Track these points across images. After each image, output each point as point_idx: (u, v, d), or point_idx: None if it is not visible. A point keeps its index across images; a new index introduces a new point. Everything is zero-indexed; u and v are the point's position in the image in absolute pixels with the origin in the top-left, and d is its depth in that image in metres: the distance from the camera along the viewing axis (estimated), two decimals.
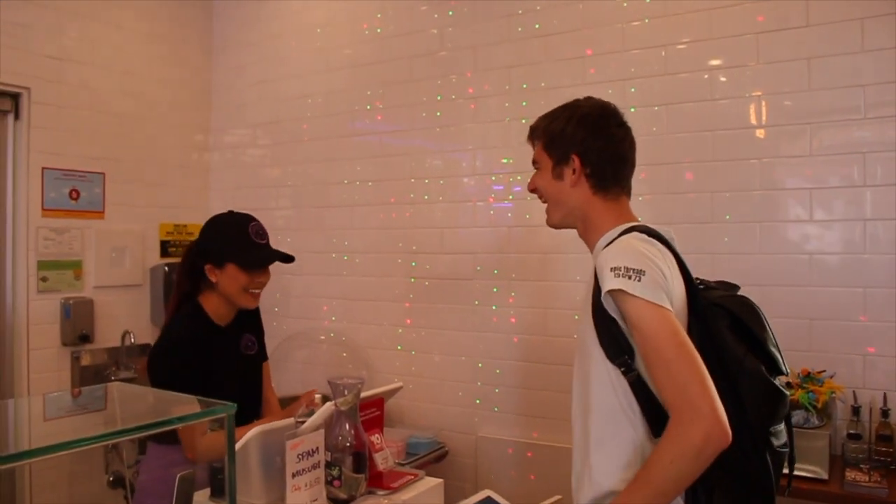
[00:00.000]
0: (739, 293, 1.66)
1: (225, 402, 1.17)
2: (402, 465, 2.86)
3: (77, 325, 3.56)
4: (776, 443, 1.51)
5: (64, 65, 3.58)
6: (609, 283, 1.41)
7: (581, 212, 1.65)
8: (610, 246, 1.51)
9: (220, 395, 2.12)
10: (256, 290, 2.25)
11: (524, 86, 3.31)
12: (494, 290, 3.38)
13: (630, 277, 1.38)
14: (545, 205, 1.72)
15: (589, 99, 1.71)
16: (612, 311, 1.45)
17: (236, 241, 2.19)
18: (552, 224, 1.73)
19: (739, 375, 1.45)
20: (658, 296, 1.39)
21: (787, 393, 1.53)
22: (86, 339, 3.59)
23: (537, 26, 3.28)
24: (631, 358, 1.45)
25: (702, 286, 1.61)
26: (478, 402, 3.43)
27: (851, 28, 2.62)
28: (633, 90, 3.04)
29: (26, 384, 3.40)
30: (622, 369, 1.46)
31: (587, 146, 1.62)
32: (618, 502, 1.39)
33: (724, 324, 1.52)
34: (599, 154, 1.62)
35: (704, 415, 1.28)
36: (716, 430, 1.27)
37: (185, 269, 2.27)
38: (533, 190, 1.74)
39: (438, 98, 3.56)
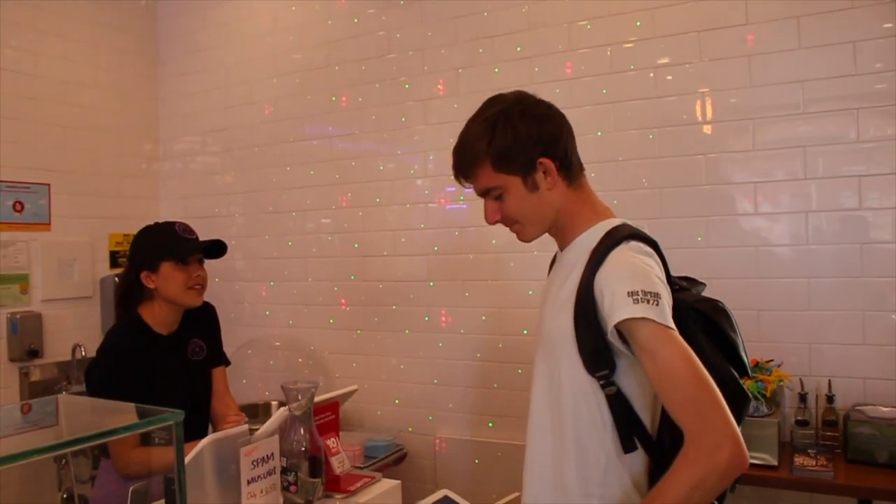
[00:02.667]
0: (713, 297, 1.58)
1: (172, 410, 1.15)
2: (361, 468, 2.85)
3: (24, 340, 3.47)
4: None
5: (5, 75, 3.49)
6: (629, 309, 1.32)
7: (562, 214, 1.54)
8: (611, 263, 1.40)
9: (161, 403, 2.10)
10: (197, 286, 2.24)
11: (473, 86, 3.33)
12: (448, 291, 3.39)
13: (649, 303, 1.32)
14: (514, 225, 1.56)
15: (498, 98, 1.56)
16: (606, 327, 1.37)
17: (165, 241, 2.21)
18: (532, 239, 1.58)
19: (716, 382, 1.41)
20: (670, 319, 1.35)
21: (749, 395, 1.52)
22: (34, 353, 3.51)
23: (485, 28, 3.31)
24: (612, 373, 1.40)
25: (676, 287, 1.53)
26: (430, 418, 3.43)
27: (788, 26, 2.70)
28: (579, 90, 3.08)
29: None
30: (601, 383, 1.41)
31: (546, 141, 1.49)
32: None
33: (700, 328, 1.48)
34: (559, 142, 1.51)
35: (730, 440, 1.25)
36: (739, 454, 1.26)
37: (122, 284, 2.27)
38: (496, 220, 1.56)
39: (388, 101, 3.56)
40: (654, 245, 1.48)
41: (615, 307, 1.34)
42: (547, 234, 1.60)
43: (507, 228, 1.59)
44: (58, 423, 1.77)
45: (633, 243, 1.44)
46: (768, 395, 2.50)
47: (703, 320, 1.49)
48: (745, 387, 1.48)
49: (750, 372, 1.55)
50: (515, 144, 1.48)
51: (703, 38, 2.85)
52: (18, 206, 3.51)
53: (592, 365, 1.41)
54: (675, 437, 1.35)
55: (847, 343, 2.63)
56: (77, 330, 3.72)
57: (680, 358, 1.32)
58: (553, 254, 1.75)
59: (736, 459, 1.25)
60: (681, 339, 1.34)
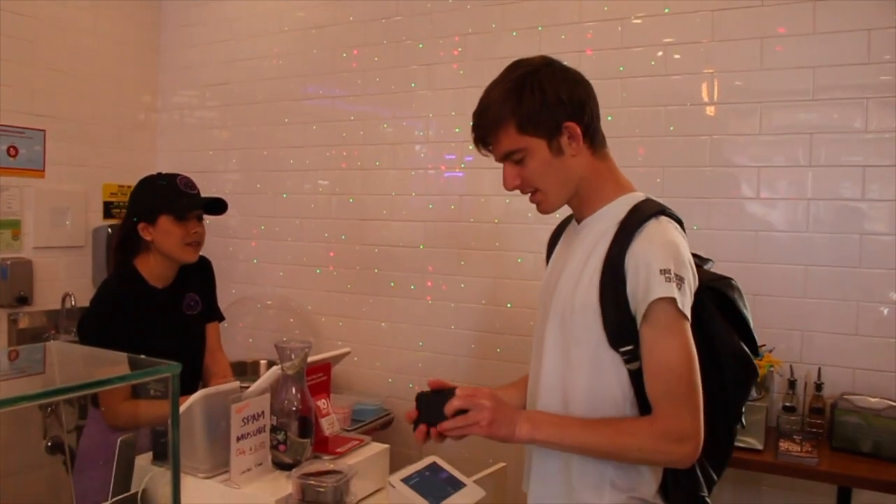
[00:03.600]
0: (726, 275, 1.59)
1: (168, 362, 1.14)
2: (348, 431, 2.85)
3: (14, 287, 3.45)
4: (743, 420, 1.58)
5: (3, 16, 3.41)
6: (662, 288, 1.33)
7: (586, 183, 1.50)
8: (647, 237, 1.39)
9: (152, 356, 2.09)
10: (194, 242, 2.22)
11: (478, 53, 3.29)
12: (443, 258, 3.38)
13: (677, 285, 1.34)
14: (534, 193, 1.51)
15: (524, 62, 1.51)
16: (637, 303, 1.37)
17: (165, 194, 2.18)
18: (553, 209, 1.53)
19: (728, 356, 1.47)
20: (688, 305, 1.37)
21: (759, 372, 1.58)
22: (24, 300, 3.48)
23: None
24: (636, 347, 1.39)
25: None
26: (420, 366, 3.44)
27: (804, 10, 2.66)
28: (587, 63, 3.04)
29: None
30: (625, 358, 1.41)
31: (574, 106, 1.45)
32: (572, 433, 1.39)
33: (715, 306, 1.49)
34: (585, 108, 1.46)
35: (693, 440, 1.33)
36: (693, 455, 1.35)
37: (119, 232, 2.24)
38: (516, 186, 1.51)
39: (391, 63, 3.51)
40: (680, 223, 1.49)
41: (651, 284, 1.34)
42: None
43: (525, 197, 1.55)
44: (45, 371, 1.76)
45: (665, 219, 1.43)
46: (759, 379, 2.51)
47: (718, 298, 1.51)
48: (755, 363, 1.52)
49: (759, 351, 1.60)
50: (543, 106, 1.43)
51: (716, 17, 2.81)
52: (13, 151, 3.46)
53: (617, 339, 1.40)
54: None
55: (839, 332, 2.63)
56: (68, 279, 3.70)
57: (681, 350, 1.35)
58: (555, 226, 1.74)
59: (691, 458, 1.35)
60: (689, 331, 1.36)
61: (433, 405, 1.50)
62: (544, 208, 1.53)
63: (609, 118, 2.97)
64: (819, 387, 2.57)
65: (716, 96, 2.82)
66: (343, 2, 3.65)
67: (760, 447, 2.41)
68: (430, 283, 3.41)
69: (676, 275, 1.34)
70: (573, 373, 1.47)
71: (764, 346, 2.63)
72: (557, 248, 1.66)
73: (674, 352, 1.35)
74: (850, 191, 2.63)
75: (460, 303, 3.35)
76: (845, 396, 2.49)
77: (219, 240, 3.99)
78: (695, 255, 1.61)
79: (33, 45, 3.56)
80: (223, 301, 3.85)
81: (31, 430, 3.44)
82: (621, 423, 1.38)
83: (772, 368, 2.57)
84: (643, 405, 1.41)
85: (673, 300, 1.33)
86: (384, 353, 3.55)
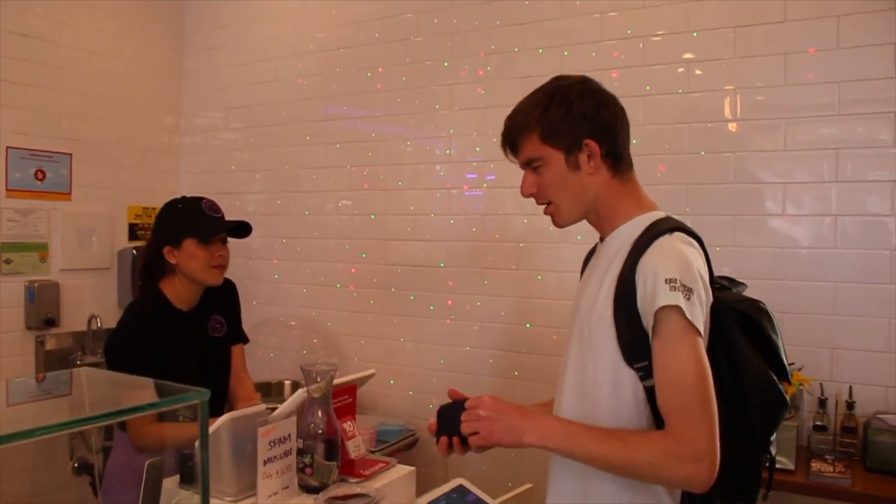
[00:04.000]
0: (754, 297, 1.55)
1: (198, 389, 1.14)
2: (373, 452, 2.85)
3: (42, 309, 3.49)
4: (773, 451, 1.51)
5: (31, 43, 3.48)
6: (666, 297, 1.31)
7: (602, 201, 1.50)
8: (657, 250, 1.38)
9: (179, 379, 2.10)
10: (219, 265, 2.23)
11: (499, 73, 3.30)
12: (467, 278, 3.38)
13: (684, 295, 1.31)
14: (548, 205, 1.53)
15: (562, 77, 1.55)
16: (646, 315, 1.36)
17: (190, 217, 2.20)
18: (566, 224, 1.54)
19: (751, 383, 1.41)
20: (699, 318, 1.33)
21: (788, 401, 1.49)
22: (51, 322, 3.52)
23: (515, 13, 3.26)
24: (650, 363, 1.36)
25: (717, 285, 1.51)
26: (442, 385, 3.42)
27: (827, 25, 2.64)
28: (608, 81, 3.03)
29: None
30: (640, 374, 1.38)
31: (598, 125, 1.47)
32: (582, 444, 1.33)
33: (739, 328, 1.45)
34: (607, 130, 1.49)
35: (710, 461, 1.26)
36: (711, 476, 1.26)
37: (145, 256, 2.26)
38: (532, 194, 1.53)
39: (412, 84, 3.53)
40: (698, 240, 1.46)
41: (656, 293, 1.32)
42: (583, 225, 1.57)
43: (542, 211, 1.56)
44: (71, 393, 1.77)
45: (678, 234, 1.42)
46: (787, 398, 2.47)
47: (743, 320, 1.46)
48: (783, 391, 1.45)
49: (790, 377, 1.51)
50: (566, 119, 1.46)
51: (738, 33, 2.80)
52: (40, 175, 3.51)
53: (632, 355, 1.39)
54: None
55: (871, 350, 2.59)
56: (94, 301, 3.73)
57: (695, 364, 1.30)
58: (589, 247, 1.73)
59: (707, 479, 1.26)
60: (700, 345, 1.32)
61: (451, 416, 1.47)
62: (556, 221, 1.55)
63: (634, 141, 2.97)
64: (851, 405, 2.53)
65: (738, 112, 2.81)
66: (364, 23, 3.68)
67: (792, 467, 2.37)
68: (451, 303, 3.41)
69: (683, 285, 1.31)
70: (593, 391, 1.45)
71: (793, 364, 2.59)
72: (586, 271, 1.66)
73: (685, 364, 1.31)
74: (880, 205, 2.59)
75: (482, 322, 3.33)
76: (878, 415, 2.44)
77: (242, 261, 4.01)
78: (725, 278, 1.61)
79: (59, 70, 3.63)
80: (247, 322, 3.87)
81: (58, 450, 3.46)
82: (633, 437, 1.33)
83: (801, 387, 2.53)
84: (659, 424, 1.37)
85: (679, 309, 1.30)
86: (408, 373, 3.54)
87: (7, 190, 3.40)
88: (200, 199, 2.24)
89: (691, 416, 1.28)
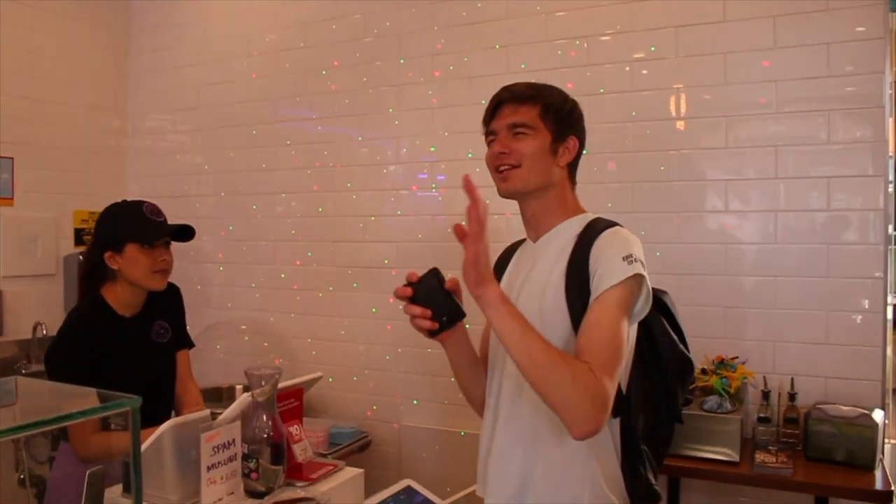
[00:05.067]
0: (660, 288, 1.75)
1: (129, 396, 1.13)
2: (325, 455, 2.83)
3: None
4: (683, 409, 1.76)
5: None
6: (625, 270, 1.42)
7: (556, 191, 1.62)
8: (607, 237, 1.50)
9: (123, 386, 2.06)
10: (162, 270, 2.19)
11: (449, 73, 3.31)
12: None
13: (642, 265, 1.45)
14: (513, 167, 1.56)
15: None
16: (594, 281, 1.47)
17: (132, 222, 2.15)
18: (517, 189, 1.58)
19: (668, 352, 1.66)
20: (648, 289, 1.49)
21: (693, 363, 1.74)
22: None
23: (463, 14, 3.28)
24: None
25: None
26: (415, 402, 3.42)
27: (765, 25, 2.71)
28: (554, 80, 3.06)
29: None
30: None
31: (581, 133, 1.65)
32: (523, 327, 1.37)
33: (657, 315, 1.67)
34: (583, 143, 1.66)
35: (605, 412, 1.34)
36: (598, 423, 1.33)
37: (86, 262, 2.21)
38: (505, 153, 1.58)
39: (362, 85, 3.52)
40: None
41: (611, 271, 1.43)
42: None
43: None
44: (16, 402, 1.73)
45: (619, 228, 1.56)
46: (732, 391, 2.53)
47: (660, 308, 1.70)
48: (690, 358, 1.71)
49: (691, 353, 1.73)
50: (566, 112, 1.62)
51: (680, 33, 2.85)
52: None
53: None
54: (639, 401, 1.59)
55: (811, 342, 2.66)
56: (39, 308, 3.64)
57: (622, 320, 1.42)
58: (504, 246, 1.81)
59: (595, 424, 1.32)
60: (631, 308, 1.48)
61: (433, 291, 1.54)
62: (512, 184, 1.57)
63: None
64: (792, 397, 2.59)
65: (683, 111, 2.86)
66: (313, 24, 3.66)
67: (737, 459, 2.42)
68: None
69: (638, 259, 1.45)
70: None
71: (737, 357, 2.65)
72: (510, 269, 1.74)
73: (613, 318, 1.41)
74: (818, 201, 2.67)
75: None
76: (818, 406, 2.51)
77: (192, 265, 3.97)
78: None
79: (0, 73, 3.53)
80: (198, 326, 3.84)
81: (3, 462, 3.38)
82: (566, 354, 1.38)
83: (745, 380, 2.58)
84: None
85: (640, 276, 1.45)
86: (360, 375, 3.53)
87: None
88: (141, 202, 2.20)
89: (603, 363, 1.36)
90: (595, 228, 1.55)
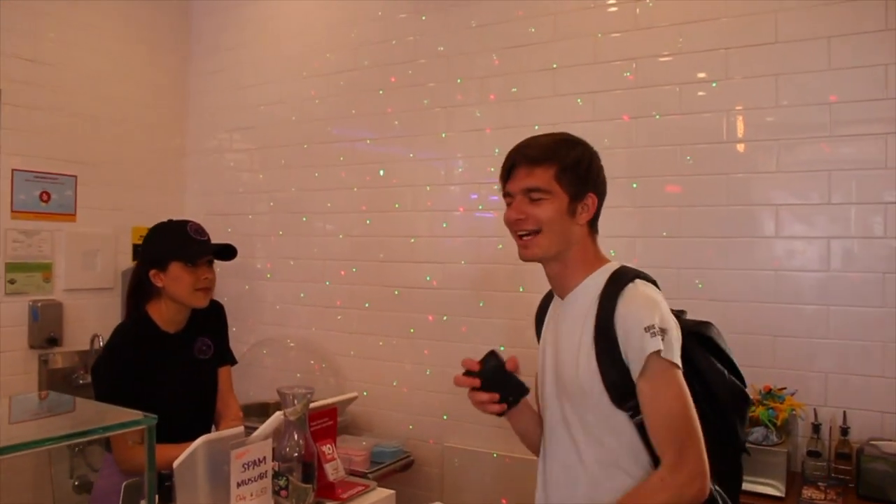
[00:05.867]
0: (705, 320, 1.72)
1: (147, 414, 1.15)
2: (366, 474, 2.84)
3: (45, 328, 3.53)
4: (744, 442, 1.70)
5: (37, 66, 3.56)
6: (650, 344, 1.44)
7: (576, 250, 1.61)
8: (628, 300, 1.51)
9: (165, 401, 2.13)
10: (205, 288, 2.24)
11: (501, 95, 3.31)
12: (462, 299, 3.37)
13: (662, 337, 1.45)
14: (530, 234, 1.58)
15: (573, 136, 1.67)
16: (632, 363, 1.48)
17: (176, 241, 2.22)
18: (538, 256, 1.60)
19: (721, 390, 1.61)
20: (677, 352, 1.48)
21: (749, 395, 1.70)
22: (54, 342, 3.56)
23: (512, 37, 3.28)
24: (636, 401, 1.49)
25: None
26: (445, 417, 3.41)
27: (818, 46, 2.63)
28: (603, 101, 3.04)
29: None
30: (630, 413, 1.50)
31: (601, 186, 1.63)
32: None
33: (701, 348, 1.63)
34: (604, 195, 1.64)
35: (702, 476, 1.43)
36: (705, 488, 1.43)
37: (132, 279, 2.28)
38: (519, 221, 1.58)
39: (414, 107, 3.56)
40: (655, 284, 1.60)
41: (642, 343, 1.45)
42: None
43: (517, 239, 1.64)
44: (74, 410, 1.80)
45: (640, 282, 1.55)
46: (779, 423, 2.44)
47: (702, 340, 1.66)
48: (744, 390, 1.67)
49: (746, 382, 1.69)
50: (583, 170, 1.59)
51: (731, 54, 2.79)
52: (45, 197, 3.57)
53: (621, 398, 1.50)
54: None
55: (866, 374, 2.55)
56: (97, 320, 3.77)
57: (678, 396, 1.46)
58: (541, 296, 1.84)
59: (702, 493, 1.44)
60: (681, 377, 1.48)
61: (501, 375, 1.61)
62: (533, 252, 1.60)
63: (621, 142, 2.96)
64: (845, 431, 2.49)
65: (736, 134, 2.79)
66: (367, 46, 3.71)
67: (782, 494, 2.33)
68: (449, 325, 3.40)
69: (660, 328, 1.46)
70: (590, 431, 1.57)
71: (785, 388, 2.56)
72: (546, 325, 1.78)
73: (672, 399, 1.46)
74: (875, 228, 2.56)
75: (478, 345, 3.32)
76: (872, 442, 2.40)
77: (243, 281, 4.06)
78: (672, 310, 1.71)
79: (65, 94, 3.69)
80: (249, 342, 3.91)
81: (60, 468, 3.50)
82: (638, 489, 1.48)
83: (794, 412, 2.49)
84: (653, 454, 1.50)
85: (660, 353, 1.45)
86: (404, 395, 3.54)
87: (12, 211, 3.45)
88: (186, 222, 2.26)
89: (686, 446, 1.44)
90: (617, 285, 1.54)
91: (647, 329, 1.44)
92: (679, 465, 1.43)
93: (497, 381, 1.59)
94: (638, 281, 1.55)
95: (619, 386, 1.49)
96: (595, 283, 1.58)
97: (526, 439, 1.81)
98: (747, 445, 1.78)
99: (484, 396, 1.59)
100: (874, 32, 2.56)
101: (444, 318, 3.42)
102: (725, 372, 1.64)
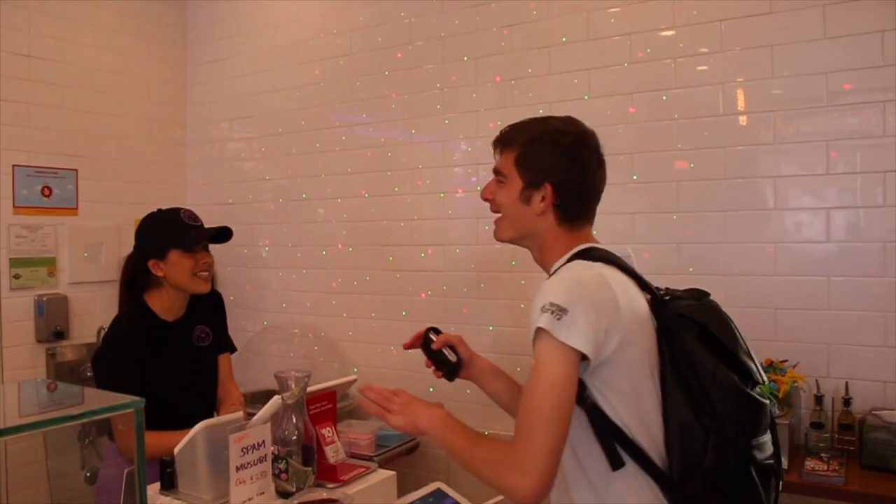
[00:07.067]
0: (709, 302, 1.53)
1: (134, 398, 1.16)
2: (373, 457, 2.86)
3: (51, 322, 3.56)
4: (759, 456, 1.40)
5: (34, 62, 3.57)
6: (537, 319, 1.36)
7: (541, 238, 1.58)
8: (549, 281, 1.45)
9: (166, 389, 2.14)
10: (204, 273, 2.26)
11: (500, 75, 3.30)
12: (464, 281, 3.38)
13: (553, 314, 1.33)
14: (498, 218, 1.63)
15: (570, 122, 1.58)
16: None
17: (172, 229, 2.24)
18: (501, 239, 1.64)
19: (712, 388, 1.36)
20: (573, 334, 1.32)
21: (768, 402, 1.44)
22: (60, 335, 3.59)
23: (506, 16, 3.27)
24: (582, 387, 1.38)
25: (668, 297, 1.52)
26: (431, 389, 3.42)
27: (814, 14, 2.61)
28: (598, 78, 3.03)
29: (0, 380, 3.41)
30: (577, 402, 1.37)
31: (564, 177, 1.53)
32: (450, 437, 1.50)
33: (693, 335, 1.42)
34: (572, 186, 1.53)
35: (533, 476, 1.28)
36: (529, 491, 1.28)
37: (128, 270, 2.29)
38: (488, 199, 1.64)
39: (413, 88, 3.54)
40: (608, 260, 1.48)
41: (532, 320, 1.38)
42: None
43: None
44: (83, 402, 1.82)
45: (579, 260, 1.49)
46: (781, 395, 2.44)
47: (696, 328, 1.44)
48: (750, 392, 1.40)
49: (761, 378, 1.46)
50: (539, 159, 1.54)
51: (725, 26, 2.77)
52: (47, 191, 3.59)
53: None
54: (686, 468, 1.35)
55: (867, 345, 2.54)
56: (102, 313, 3.79)
57: (542, 382, 1.33)
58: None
59: (527, 494, 1.28)
60: (560, 364, 1.32)
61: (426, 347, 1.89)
62: (496, 233, 1.66)
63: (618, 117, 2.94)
64: (847, 402, 2.48)
65: (735, 106, 2.77)
66: (361, 30, 3.70)
67: (784, 466, 2.29)
68: (452, 307, 3.41)
69: (558, 306, 1.33)
70: None
71: (787, 360, 2.55)
72: None
73: (536, 383, 1.34)
74: (873, 197, 2.54)
75: (480, 325, 3.33)
76: (875, 412, 2.40)
77: (248, 269, 4.07)
78: (692, 290, 1.57)
79: (64, 89, 3.70)
80: (253, 329, 3.93)
81: (71, 459, 3.54)
82: (485, 440, 1.44)
83: (796, 384, 2.48)
84: (605, 445, 1.39)
85: (544, 330, 1.33)
86: (410, 378, 3.54)
87: (14, 207, 3.47)
88: (178, 209, 2.28)
89: (528, 434, 1.30)
90: (559, 268, 1.51)
91: (543, 308, 1.34)
92: (520, 449, 1.30)
93: (431, 356, 1.87)
94: (576, 262, 1.48)
95: None
96: (555, 269, 1.54)
97: (496, 399, 1.90)
98: (761, 457, 1.41)
99: (430, 365, 1.85)
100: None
101: (445, 299, 3.43)
102: (719, 365, 1.39)
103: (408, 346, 1.90)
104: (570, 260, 1.52)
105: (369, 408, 1.66)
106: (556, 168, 1.53)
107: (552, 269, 1.56)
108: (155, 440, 1.98)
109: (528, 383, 1.36)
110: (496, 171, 1.62)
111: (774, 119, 2.69)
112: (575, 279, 1.41)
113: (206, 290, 2.30)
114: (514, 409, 1.74)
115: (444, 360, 1.85)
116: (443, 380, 1.89)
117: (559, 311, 1.33)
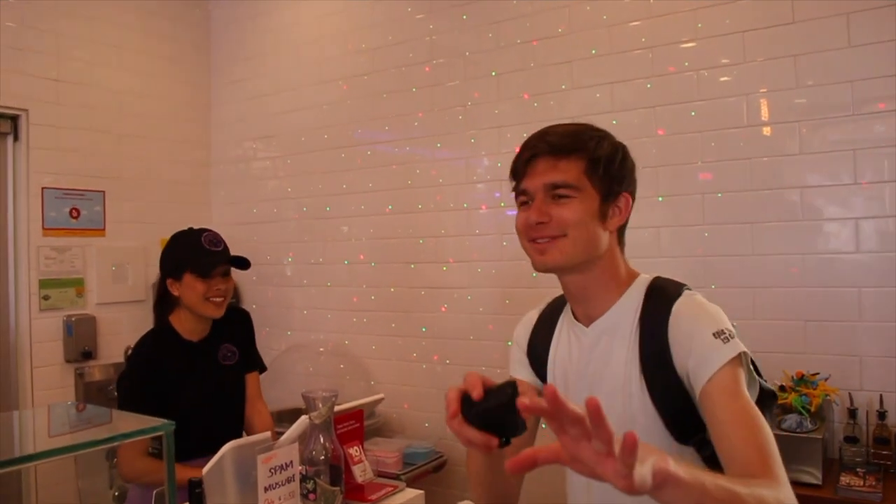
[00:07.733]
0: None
1: (164, 421, 1.16)
2: (400, 475, 2.85)
3: (80, 342, 3.60)
4: None
5: (62, 86, 3.63)
6: (725, 350, 1.21)
7: (604, 262, 1.36)
8: (685, 312, 1.28)
9: (189, 409, 2.15)
10: (217, 299, 2.26)
11: (522, 91, 3.30)
12: (489, 298, 3.37)
13: (733, 338, 1.23)
14: (554, 238, 1.32)
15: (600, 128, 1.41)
16: (697, 382, 1.23)
17: (189, 251, 2.25)
18: (558, 265, 1.34)
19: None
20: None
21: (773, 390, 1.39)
22: (88, 355, 3.63)
23: (525, 32, 3.27)
24: (704, 432, 1.25)
25: None
26: None
27: (837, 23, 2.58)
28: (621, 92, 3.02)
29: (31, 401, 3.45)
30: (695, 447, 1.28)
31: (634, 186, 1.39)
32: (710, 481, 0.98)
33: None
34: (634, 196, 1.39)
35: (788, 487, 1.11)
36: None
37: (157, 290, 2.32)
38: (541, 223, 1.32)
39: (435, 105, 3.56)
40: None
41: (709, 356, 1.21)
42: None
43: (536, 243, 1.37)
44: (111, 422, 1.83)
45: (688, 292, 1.33)
46: (813, 409, 2.40)
47: None
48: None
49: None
50: (617, 164, 1.35)
51: (748, 37, 2.75)
52: (75, 213, 3.64)
53: (683, 431, 1.28)
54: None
55: None
56: (130, 333, 3.80)
57: (752, 403, 1.21)
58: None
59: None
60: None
61: (499, 407, 1.01)
62: (553, 257, 1.32)
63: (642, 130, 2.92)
64: (882, 415, 2.43)
65: (761, 117, 2.74)
66: (382, 48, 3.72)
67: (819, 482, 2.28)
68: (477, 324, 3.40)
69: (728, 331, 1.23)
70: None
71: (818, 374, 2.51)
72: (560, 353, 1.49)
73: (749, 402, 1.20)
74: None
75: (506, 343, 3.31)
76: None
77: (274, 287, 4.09)
78: None
79: (90, 111, 3.76)
80: (280, 348, 3.94)
81: (100, 479, 3.56)
82: (750, 482, 1.06)
83: (828, 397, 2.44)
84: None
85: (739, 358, 1.22)
86: (437, 396, 3.54)
87: (44, 229, 3.53)
88: (202, 231, 2.29)
89: (772, 457, 1.14)
90: (661, 299, 1.31)
91: (717, 335, 1.21)
92: (777, 479, 1.10)
93: (497, 418, 1.02)
94: (686, 292, 1.32)
95: (680, 417, 1.26)
96: (631, 301, 1.35)
97: (488, 487, 1.46)
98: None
99: (474, 435, 1.01)
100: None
101: (471, 316, 3.42)
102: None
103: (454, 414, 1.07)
104: (649, 290, 1.35)
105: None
106: (630, 177, 1.37)
107: (617, 303, 1.36)
108: (157, 467, 1.98)
109: (743, 418, 1.17)
110: (554, 187, 1.31)
111: (799, 129, 2.66)
112: (713, 307, 1.29)
113: (217, 315, 2.29)
114: (497, 487, 1.45)
115: (520, 424, 1.01)
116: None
117: (731, 335, 1.23)
